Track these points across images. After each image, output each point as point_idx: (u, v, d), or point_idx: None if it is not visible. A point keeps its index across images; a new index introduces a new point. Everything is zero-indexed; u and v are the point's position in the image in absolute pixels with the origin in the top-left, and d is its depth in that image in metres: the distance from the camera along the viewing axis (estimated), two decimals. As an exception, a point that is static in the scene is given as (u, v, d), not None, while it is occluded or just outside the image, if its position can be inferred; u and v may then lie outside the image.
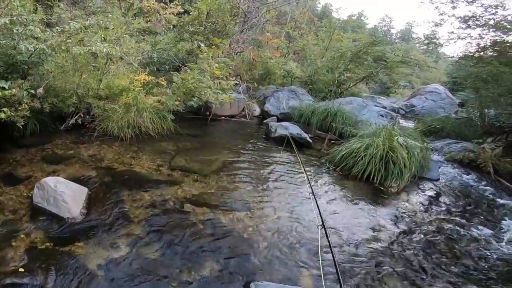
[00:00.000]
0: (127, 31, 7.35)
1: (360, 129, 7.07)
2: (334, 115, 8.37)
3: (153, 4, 11.61)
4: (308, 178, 3.43)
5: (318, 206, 2.95)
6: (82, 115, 5.91)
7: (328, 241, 2.33)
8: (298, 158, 5.30)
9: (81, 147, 5.25)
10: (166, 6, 11.81)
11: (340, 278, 2.03)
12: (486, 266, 3.96)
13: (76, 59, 5.69)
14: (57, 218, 3.45)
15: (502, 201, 6.10)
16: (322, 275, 2.45)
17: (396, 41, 57.72)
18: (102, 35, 5.71)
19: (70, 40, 5.16)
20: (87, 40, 5.36)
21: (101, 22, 5.87)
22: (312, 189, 3.09)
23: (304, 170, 3.82)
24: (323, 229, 2.52)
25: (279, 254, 3.39)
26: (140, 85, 6.35)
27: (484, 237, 4.66)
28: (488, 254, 4.26)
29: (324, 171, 5.95)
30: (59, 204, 3.53)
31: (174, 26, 10.93)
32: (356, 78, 12.89)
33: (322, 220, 2.61)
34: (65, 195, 3.60)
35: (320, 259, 2.54)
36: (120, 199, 3.92)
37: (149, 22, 10.84)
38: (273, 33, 14.30)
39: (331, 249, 2.23)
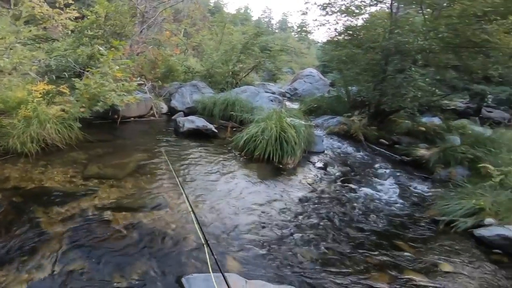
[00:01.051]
0: (19, 40, 6.30)
1: (255, 115, 7.11)
2: (233, 104, 8.34)
3: (47, 10, 10.07)
4: (184, 192, 3.22)
5: (199, 223, 2.64)
6: (-25, 135, 4.88)
7: (215, 260, 2.16)
8: (170, 165, 4.80)
9: (-21, 170, 4.33)
10: (62, 12, 10.36)
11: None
12: (371, 221, 4.33)
13: (-42, 75, 4.66)
14: (-37, 250, 2.85)
15: (374, 163, 6.78)
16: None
17: (276, 31, 59.37)
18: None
19: None
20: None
21: (-17, 33, 4.91)
22: (190, 205, 2.81)
23: (178, 180, 3.54)
24: (208, 247, 2.33)
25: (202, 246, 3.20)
26: (40, 95, 5.49)
27: (365, 196, 5.10)
28: (370, 210, 4.67)
29: (231, 157, 5.92)
30: (-38, 236, 2.94)
31: (72, 31, 9.67)
32: (247, 68, 12.94)
33: (205, 239, 2.40)
34: (-32, 225, 3.01)
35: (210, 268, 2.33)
36: (34, 218, 3.35)
37: (42, 29, 9.40)
38: (171, 31, 13.59)
39: (219, 267, 2.02)
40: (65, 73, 7.24)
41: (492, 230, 4.10)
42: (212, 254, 2.16)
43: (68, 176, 4.35)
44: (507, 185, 4.87)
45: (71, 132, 5.46)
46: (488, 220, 4.26)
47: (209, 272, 2.63)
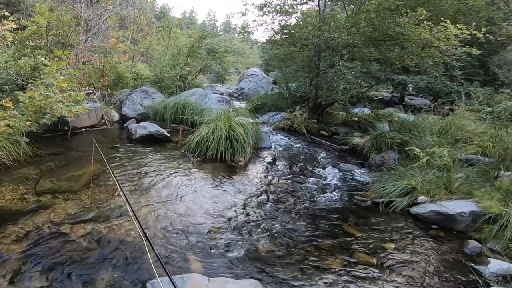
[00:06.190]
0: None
1: (205, 116, 7.00)
2: (183, 108, 8.20)
3: (-19, 23, 9.01)
4: (122, 191, 3.06)
5: (137, 218, 2.45)
6: None
7: (155, 253, 2.05)
8: (111, 171, 4.74)
9: None
10: (-1, 24, 9.33)
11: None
12: (319, 208, 4.48)
13: None
14: None
15: (317, 153, 7.01)
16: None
17: (221, 33, 58.64)
18: None
19: None
20: None
21: None
22: (128, 202, 2.67)
23: (118, 183, 3.32)
24: (147, 240, 2.15)
25: (167, 249, 3.19)
26: (-20, 112, 4.98)
27: (311, 186, 5.28)
28: (317, 198, 4.85)
29: (185, 160, 5.83)
30: None
31: (12, 42, 8.78)
32: (195, 71, 12.73)
33: (144, 232, 2.24)
34: None
35: (152, 265, 2.09)
36: (-15, 240, 3.06)
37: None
38: (117, 38, 12.88)
39: (159, 259, 1.94)
40: (6, 86, 6.60)
41: (426, 207, 4.27)
42: (152, 248, 2.10)
43: (19, 193, 4.00)
44: (433, 164, 5.12)
45: (18, 147, 4.99)
46: (421, 198, 4.46)
47: (176, 275, 2.59)
